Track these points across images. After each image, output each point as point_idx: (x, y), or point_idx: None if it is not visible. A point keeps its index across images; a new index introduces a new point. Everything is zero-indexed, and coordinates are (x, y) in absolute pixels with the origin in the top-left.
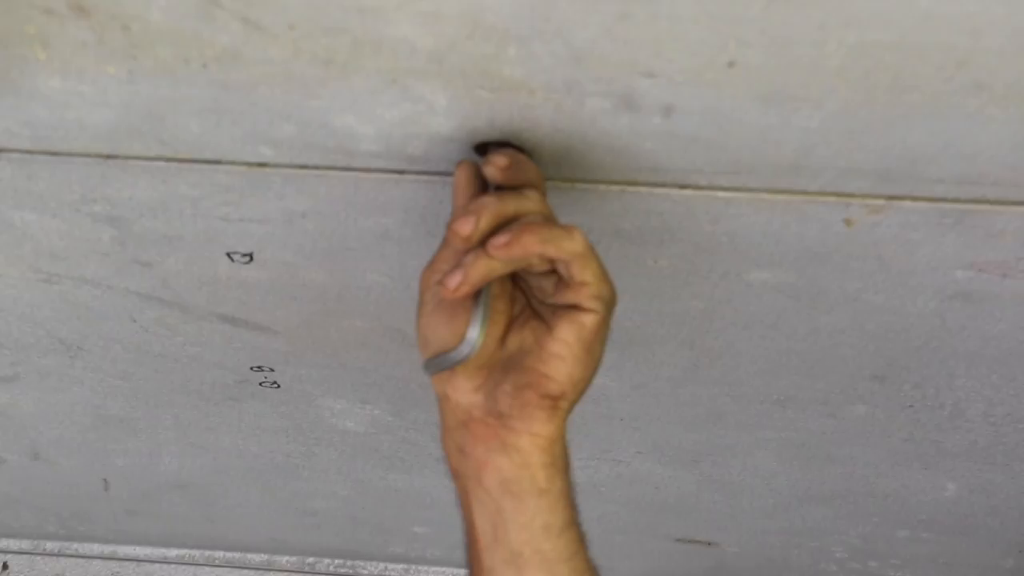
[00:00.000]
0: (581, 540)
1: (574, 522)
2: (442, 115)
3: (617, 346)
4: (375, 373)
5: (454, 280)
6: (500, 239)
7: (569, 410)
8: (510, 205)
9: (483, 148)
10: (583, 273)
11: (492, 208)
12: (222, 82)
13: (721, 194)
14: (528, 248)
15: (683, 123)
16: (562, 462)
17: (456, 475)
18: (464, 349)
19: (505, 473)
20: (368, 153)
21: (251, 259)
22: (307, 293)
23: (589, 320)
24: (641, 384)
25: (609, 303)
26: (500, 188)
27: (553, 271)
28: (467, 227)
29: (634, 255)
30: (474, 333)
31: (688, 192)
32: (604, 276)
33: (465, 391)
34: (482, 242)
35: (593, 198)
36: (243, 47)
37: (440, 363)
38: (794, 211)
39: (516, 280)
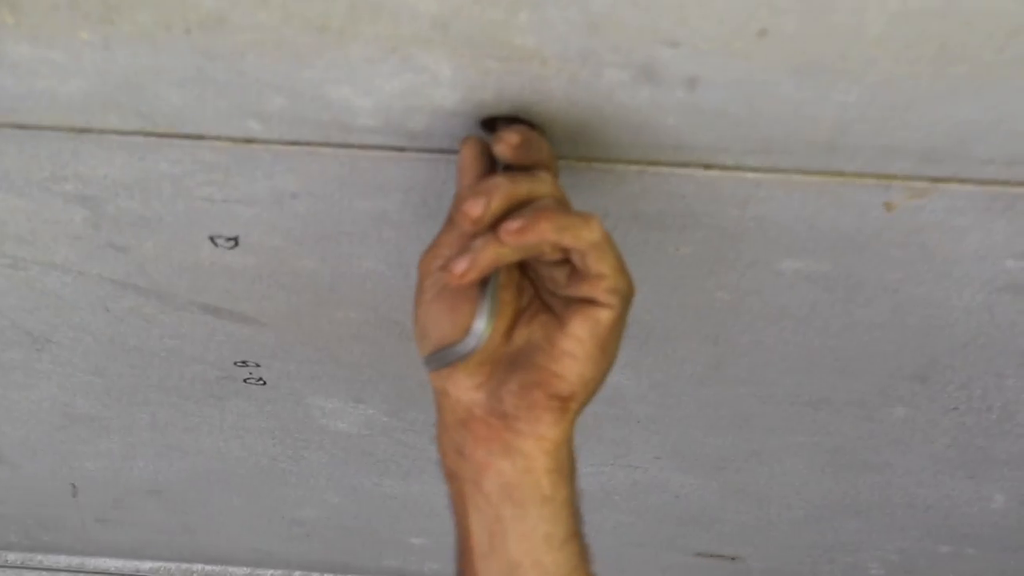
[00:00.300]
0: (584, 553)
1: (578, 533)
2: (446, 87)
3: (634, 341)
4: (370, 369)
5: (460, 265)
6: (513, 224)
7: (579, 412)
8: (523, 187)
9: (491, 124)
10: (599, 264)
11: (504, 189)
12: (206, 49)
13: (750, 175)
14: (543, 235)
15: (709, 97)
16: (568, 468)
17: (451, 478)
18: (470, 342)
19: (506, 478)
20: (365, 128)
21: (236, 244)
22: (297, 281)
23: (605, 316)
24: (660, 383)
25: (626, 297)
26: (509, 168)
27: (566, 260)
28: (477, 208)
29: (654, 241)
30: (480, 325)
31: (714, 173)
32: (622, 268)
33: (466, 388)
34: (492, 226)
35: (610, 179)
36: (229, 11)
37: (443, 357)
38: (829, 194)
39: (524, 269)
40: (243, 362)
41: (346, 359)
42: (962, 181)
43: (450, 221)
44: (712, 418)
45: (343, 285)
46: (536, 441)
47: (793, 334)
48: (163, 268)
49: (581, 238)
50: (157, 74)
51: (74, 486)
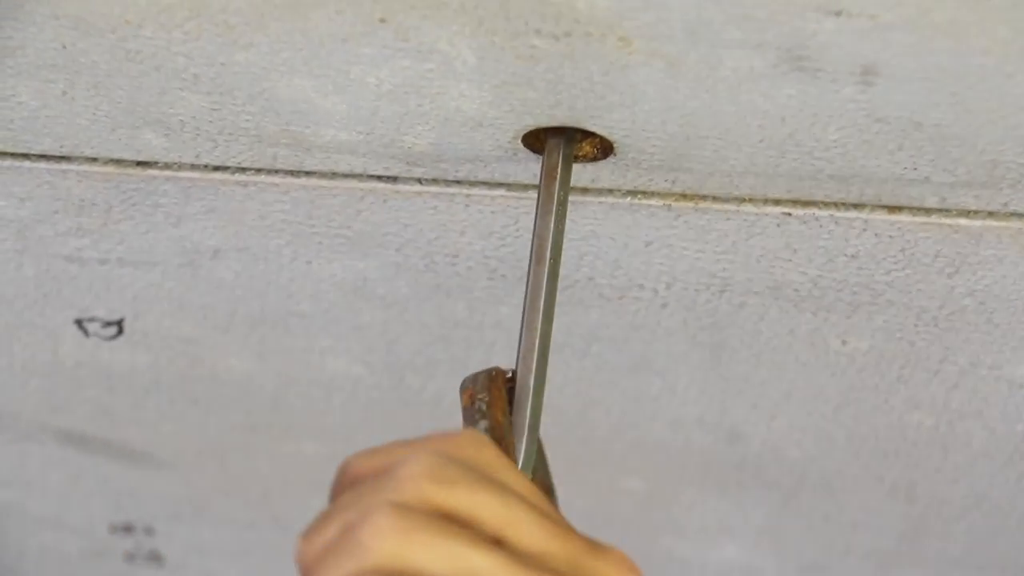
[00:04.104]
0: None
1: None
2: (467, 80)
3: (775, 494)
4: None
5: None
6: None
7: None
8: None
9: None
10: None
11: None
12: (78, 18)
13: (964, 222)
14: None
15: (894, 97)
16: None
17: None
18: None
19: None
20: (334, 146)
21: (120, 331)
22: (219, 393)
23: None
24: (819, 566)
25: None
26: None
27: None
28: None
29: (807, 329)
30: None
31: (903, 218)
32: None
33: None
34: None
35: (732, 228)
36: None
37: None
38: None
39: None
40: (125, 527)
41: (297, 520)
42: None
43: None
44: None
45: (293, 398)
46: None
47: None
48: None
49: None
50: None
51: None
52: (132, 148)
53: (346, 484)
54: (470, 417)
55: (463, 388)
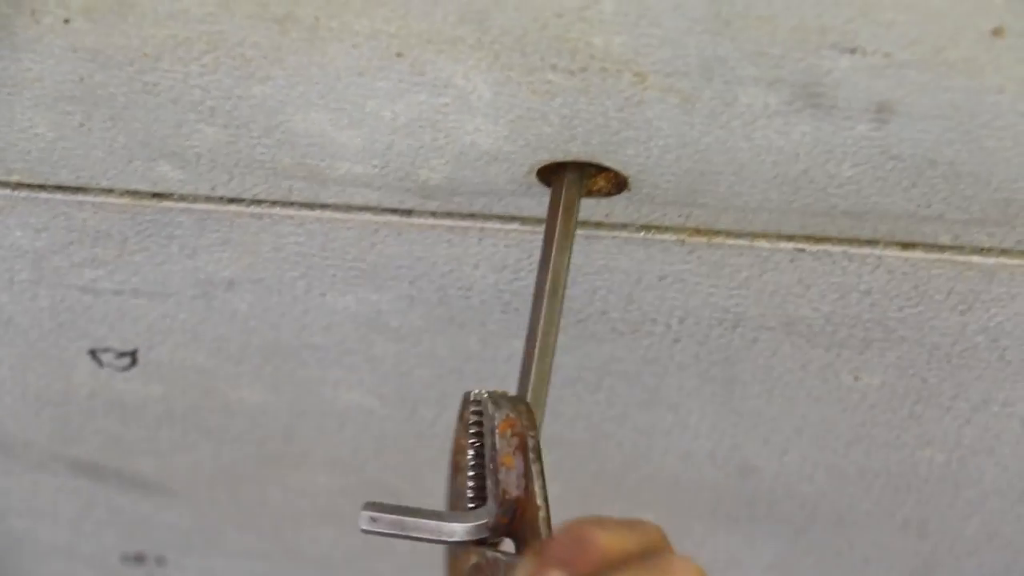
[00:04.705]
0: None
1: None
2: (482, 114)
3: (787, 528)
4: (346, 570)
5: None
6: None
7: None
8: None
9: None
10: None
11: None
12: (96, 51)
13: (976, 260)
14: None
15: (908, 134)
16: None
17: None
18: None
19: None
20: (350, 179)
21: (134, 362)
22: (231, 423)
23: None
24: None
25: None
26: None
27: None
28: None
29: (819, 365)
30: None
31: (916, 255)
32: None
33: None
34: None
35: (745, 262)
36: None
37: None
38: None
39: None
40: (137, 556)
41: (308, 552)
42: None
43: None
44: None
45: (306, 429)
46: None
47: None
48: (13, 401)
49: None
50: (15, 91)
51: None
52: (148, 180)
53: (596, 563)
54: (506, 446)
55: (500, 413)
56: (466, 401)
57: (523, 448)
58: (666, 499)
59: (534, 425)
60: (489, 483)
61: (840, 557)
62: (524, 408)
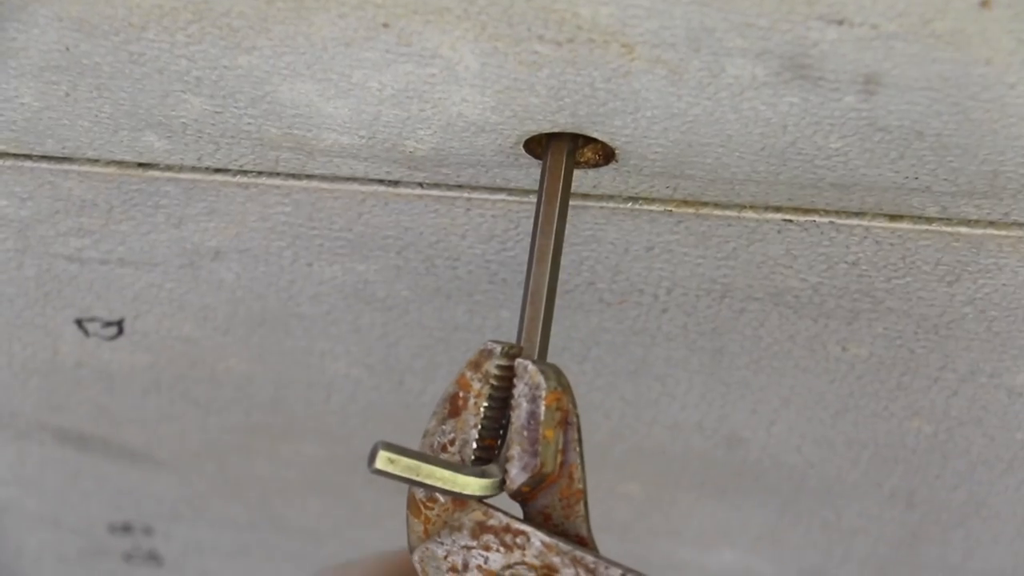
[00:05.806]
0: None
1: None
2: (469, 85)
3: (775, 499)
4: (334, 540)
5: None
6: None
7: None
8: None
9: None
10: None
11: None
12: (81, 21)
13: (965, 231)
14: None
15: (895, 107)
16: None
17: None
18: None
19: None
20: (336, 149)
21: (120, 331)
22: (218, 393)
23: None
24: (817, 570)
25: None
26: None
27: None
28: None
29: (807, 335)
30: None
31: (904, 226)
32: None
33: None
34: None
35: (733, 234)
36: None
37: None
38: None
39: None
40: (124, 526)
41: (295, 523)
42: None
43: None
44: None
45: (293, 400)
46: None
47: None
48: None
49: None
50: None
51: None
52: (134, 150)
53: None
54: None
55: (549, 384)
56: (489, 353)
57: (564, 425)
58: (653, 470)
59: (575, 404)
60: (516, 449)
61: (828, 527)
62: (567, 384)
